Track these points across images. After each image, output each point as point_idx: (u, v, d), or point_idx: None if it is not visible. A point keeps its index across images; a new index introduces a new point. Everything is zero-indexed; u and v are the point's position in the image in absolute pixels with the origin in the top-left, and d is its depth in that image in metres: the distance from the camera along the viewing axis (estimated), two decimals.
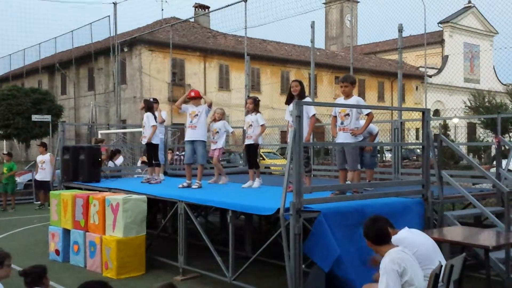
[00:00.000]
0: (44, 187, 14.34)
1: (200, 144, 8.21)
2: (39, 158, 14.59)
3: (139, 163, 13.23)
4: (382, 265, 3.84)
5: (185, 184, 8.12)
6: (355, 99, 6.52)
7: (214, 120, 8.86)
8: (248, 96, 8.56)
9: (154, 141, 9.01)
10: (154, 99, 9.78)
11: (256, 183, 7.89)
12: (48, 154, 14.58)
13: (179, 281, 6.91)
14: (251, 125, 8.05)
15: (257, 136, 8.05)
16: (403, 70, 11.12)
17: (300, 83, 7.12)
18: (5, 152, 18.19)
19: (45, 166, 14.22)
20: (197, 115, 8.20)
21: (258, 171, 8.22)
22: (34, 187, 15.80)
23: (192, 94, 8.42)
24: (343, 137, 6.45)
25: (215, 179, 8.85)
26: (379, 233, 4.03)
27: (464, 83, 41.76)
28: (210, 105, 8.31)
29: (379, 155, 15.97)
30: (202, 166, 8.34)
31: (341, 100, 6.68)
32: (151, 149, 9.05)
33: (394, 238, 4.30)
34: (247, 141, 8.16)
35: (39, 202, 14.99)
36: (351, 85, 6.53)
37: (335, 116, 6.64)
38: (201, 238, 6.79)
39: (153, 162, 9.13)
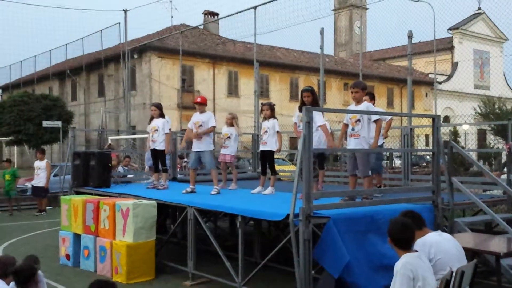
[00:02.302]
0: (38, 193, 14.57)
1: (207, 154, 8.24)
2: (36, 164, 14.77)
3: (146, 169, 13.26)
4: (396, 268, 3.83)
5: (188, 189, 8.13)
6: (365, 105, 6.51)
7: (226, 125, 8.90)
8: (262, 103, 8.55)
9: (163, 147, 9.05)
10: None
11: (268, 190, 7.81)
12: (45, 160, 14.75)
13: (188, 286, 6.93)
14: (266, 131, 8.00)
15: (276, 143, 7.94)
16: (413, 77, 11.10)
17: (312, 92, 7.06)
18: (4, 159, 18.47)
19: (39, 172, 14.45)
20: (201, 125, 8.22)
21: (274, 178, 8.09)
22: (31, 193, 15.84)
23: (198, 100, 8.45)
24: (354, 144, 6.43)
25: (223, 185, 8.86)
26: (404, 239, 3.96)
27: (474, 90, 41.55)
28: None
29: (388, 161, 15.90)
30: (215, 171, 8.34)
31: (352, 106, 6.68)
32: (159, 155, 9.09)
33: (423, 240, 4.29)
34: (262, 147, 8.09)
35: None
36: (361, 91, 6.52)
37: (346, 124, 6.61)
38: (211, 244, 6.81)
39: (161, 168, 9.18)
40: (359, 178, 6.74)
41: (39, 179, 14.44)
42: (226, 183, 8.96)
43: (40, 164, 14.55)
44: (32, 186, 14.95)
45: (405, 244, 3.96)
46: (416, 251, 4.00)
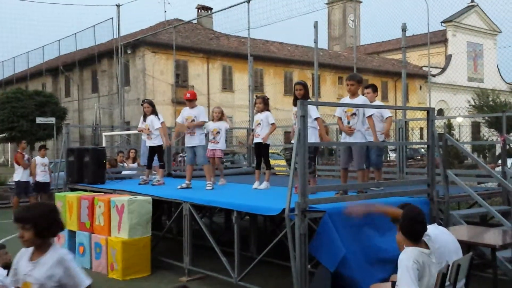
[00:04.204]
0: (45, 189, 14.41)
1: (200, 149, 8.18)
2: (41, 160, 14.55)
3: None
4: (405, 261, 3.76)
5: (183, 185, 8.10)
6: (361, 99, 6.46)
7: (213, 120, 8.83)
8: (256, 96, 8.48)
9: (159, 143, 9.02)
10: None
11: (263, 185, 7.77)
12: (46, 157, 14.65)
13: (184, 282, 6.91)
14: (259, 124, 7.90)
15: (267, 134, 7.83)
16: (407, 70, 11.10)
17: (304, 86, 7.01)
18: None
19: (46, 168, 14.29)
20: (193, 120, 8.13)
21: (269, 172, 8.00)
22: (33, 189, 15.55)
23: (188, 95, 8.33)
24: (350, 137, 6.40)
25: (214, 180, 8.79)
26: (415, 234, 3.90)
27: (468, 82, 41.68)
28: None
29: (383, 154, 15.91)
30: (207, 166, 8.30)
31: (346, 99, 6.62)
32: (157, 150, 9.05)
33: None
34: (256, 140, 7.98)
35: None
36: (357, 84, 6.46)
37: (340, 117, 6.57)
38: (206, 239, 6.79)
39: (158, 163, 9.15)
40: (353, 172, 6.73)
41: (46, 175, 14.27)
42: (215, 178, 8.89)
43: (45, 160, 14.42)
44: (39, 182, 14.59)
45: (415, 237, 3.89)
46: (427, 246, 3.93)
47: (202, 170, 8.79)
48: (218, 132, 8.69)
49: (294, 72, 34.14)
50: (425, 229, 3.96)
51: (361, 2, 50.38)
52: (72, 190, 9.37)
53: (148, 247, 7.43)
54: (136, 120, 26.90)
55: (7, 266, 4.37)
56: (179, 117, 8.40)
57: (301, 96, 6.87)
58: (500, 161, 8.51)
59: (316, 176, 7.57)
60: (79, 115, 33.06)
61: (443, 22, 42.38)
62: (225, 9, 16.83)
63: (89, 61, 30.62)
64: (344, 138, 6.54)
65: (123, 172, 11.84)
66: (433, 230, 4.43)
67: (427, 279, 3.73)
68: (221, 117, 8.85)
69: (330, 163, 14.37)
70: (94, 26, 28.43)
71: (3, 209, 14.99)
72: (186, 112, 8.25)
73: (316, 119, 6.82)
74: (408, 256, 3.76)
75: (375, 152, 7.42)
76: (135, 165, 12.54)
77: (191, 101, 8.25)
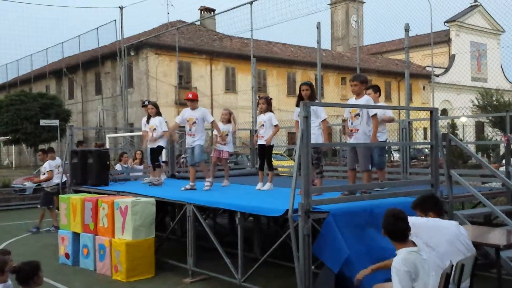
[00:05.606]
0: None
1: (197, 147, 8.11)
2: (54, 162, 14.43)
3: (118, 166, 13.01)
4: (394, 264, 3.78)
5: (188, 186, 8.09)
6: (365, 99, 6.45)
7: (222, 121, 8.82)
8: (259, 97, 8.46)
9: (161, 144, 9.06)
10: (149, 101, 9.88)
11: (267, 186, 7.75)
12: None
13: (188, 283, 6.92)
14: (263, 125, 7.88)
15: (271, 136, 7.82)
16: (410, 70, 11.08)
17: (311, 86, 7.01)
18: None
19: (61, 169, 14.17)
20: (194, 122, 8.09)
21: (272, 173, 8.00)
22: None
23: (190, 96, 8.26)
24: (353, 138, 6.39)
25: (212, 180, 8.79)
26: (398, 232, 3.90)
27: (472, 82, 41.56)
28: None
29: (386, 155, 15.89)
30: (203, 163, 8.25)
31: (352, 100, 6.63)
32: (155, 152, 9.09)
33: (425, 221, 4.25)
34: (259, 141, 7.96)
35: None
36: (360, 84, 6.45)
37: (346, 119, 6.58)
38: (210, 240, 6.80)
39: (154, 163, 9.15)
40: (358, 173, 6.72)
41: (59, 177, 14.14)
42: (220, 179, 8.89)
43: (57, 162, 14.31)
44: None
45: (399, 236, 3.89)
46: (415, 244, 3.94)
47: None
48: (227, 135, 8.68)
49: (297, 73, 34.13)
50: (408, 227, 3.93)
51: (364, 2, 50.26)
52: (76, 192, 9.38)
53: (152, 248, 7.44)
54: (139, 122, 26.86)
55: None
56: (179, 117, 8.31)
57: (308, 96, 6.88)
58: (504, 161, 8.47)
59: (322, 177, 7.56)
60: (83, 117, 33.13)
61: (446, 22, 42.30)
62: (228, 10, 16.84)
63: (92, 63, 30.70)
64: (348, 139, 6.54)
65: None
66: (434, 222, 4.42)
67: (421, 275, 3.72)
68: (229, 118, 8.83)
69: (334, 163, 14.36)
70: (97, 28, 28.53)
71: (5, 211, 15.02)
72: (188, 114, 8.17)
73: (323, 120, 6.84)
74: (396, 262, 3.75)
75: (377, 152, 7.40)
76: (141, 167, 12.53)
77: (193, 101, 8.21)
